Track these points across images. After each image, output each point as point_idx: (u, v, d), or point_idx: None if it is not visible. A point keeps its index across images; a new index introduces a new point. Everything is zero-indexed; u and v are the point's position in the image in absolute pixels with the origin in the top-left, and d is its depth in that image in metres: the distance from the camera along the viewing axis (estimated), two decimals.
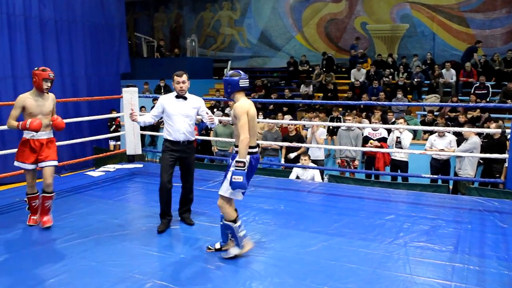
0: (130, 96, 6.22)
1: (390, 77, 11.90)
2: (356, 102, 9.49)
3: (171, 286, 2.92)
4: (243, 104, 3.27)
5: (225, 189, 3.26)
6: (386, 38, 14.00)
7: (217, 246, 3.45)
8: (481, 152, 6.20)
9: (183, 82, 3.93)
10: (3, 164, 7.21)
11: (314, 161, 6.90)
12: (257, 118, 3.98)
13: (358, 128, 7.32)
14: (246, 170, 3.15)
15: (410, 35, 13.62)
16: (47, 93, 4.02)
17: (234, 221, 3.27)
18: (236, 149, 3.29)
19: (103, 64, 11.19)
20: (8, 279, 3.02)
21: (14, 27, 8.95)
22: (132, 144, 6.35)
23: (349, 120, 7.25)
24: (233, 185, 3.13)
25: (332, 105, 9.75)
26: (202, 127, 8.72)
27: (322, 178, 6.47)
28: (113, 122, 10.03)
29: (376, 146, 7.09)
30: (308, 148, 7.00)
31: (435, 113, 9.26)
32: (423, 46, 13.37)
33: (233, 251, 3.31)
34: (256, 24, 15.85)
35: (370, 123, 8.43)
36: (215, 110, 10.38)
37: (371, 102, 9.39)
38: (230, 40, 16.44)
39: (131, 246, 3.63)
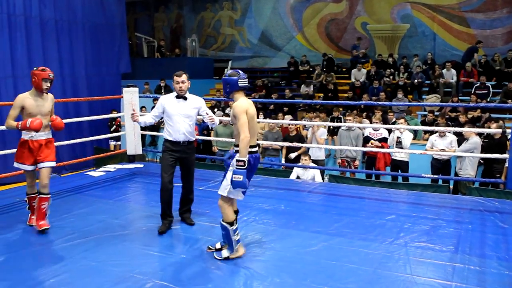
0: (130, 96, 6.22)
1: (391, 77, 11.88)
2: (357, 102, 9.49)
3: (172, 286, 2.92)
4: (242, 104, 3.27)
5: (223, 188, 3.26)
6: (387, 38, 13.99)
7: (218, 246, 3.45)
8: (481, 152, 6.19)
9: (183, 82, 3.92)
10: (3, 164, 7.22)
11: (314, 161, 6.91)
12: (258, 118, 3.97)
13: (359, 128, 7.33)
14: (246, 169, 3.14)
15: (410, 35, 13.60)
16: (46, 93, 3.99)
17: (231, 224, 3.27)
18: (236, 148, 3.29)
19: (104, 64, 11.20)
20: (8, 279, 3.02)
21: (14, 27, 8.96)
22: (133, 144, 6.36)
23: (350, 120, 7.26)
24: (234, 184, 3.13)
25: (332, 105, 9.75)
26: (202, 127, 8.73)
27: (323, 178, 6.47)
28: (114, 122, 10.03)
29: (377, 146, 7.08)
30: (308, 148, 7.00)
31: (436, 113, 9.25)
32: (424, 46, 13.36)
33: (225, 253, 3.32)
34: (257, 24, 15.85)
35: (371, 123, 8.42)
36: (215, 110, 10.38)
37: (372, 102, 9.37)
38: (230, 40, 16.43)
39: (132, 246, 3.63)
